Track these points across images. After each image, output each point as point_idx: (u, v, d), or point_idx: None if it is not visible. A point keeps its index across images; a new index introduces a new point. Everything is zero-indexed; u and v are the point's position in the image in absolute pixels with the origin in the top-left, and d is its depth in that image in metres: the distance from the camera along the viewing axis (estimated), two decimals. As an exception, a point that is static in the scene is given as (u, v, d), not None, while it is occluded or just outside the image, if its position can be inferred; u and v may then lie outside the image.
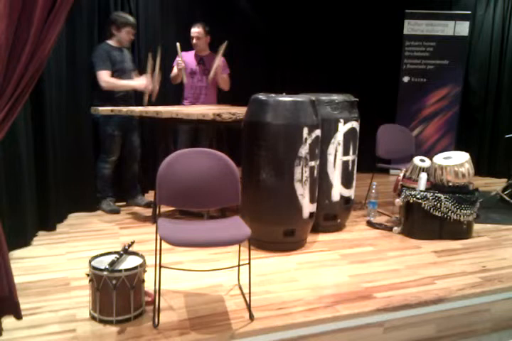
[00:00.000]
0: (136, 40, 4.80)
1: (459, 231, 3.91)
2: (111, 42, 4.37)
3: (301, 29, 6.21)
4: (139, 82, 4.38)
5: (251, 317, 2.57)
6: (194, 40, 4.79)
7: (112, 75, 4.30)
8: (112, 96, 4.33)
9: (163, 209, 4.05)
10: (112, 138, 4.37)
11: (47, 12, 2.26)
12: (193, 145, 4.68)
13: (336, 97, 3.90)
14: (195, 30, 4.76)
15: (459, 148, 5.68)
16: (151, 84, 4.39)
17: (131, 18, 4.36)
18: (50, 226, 3.90)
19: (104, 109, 3.95)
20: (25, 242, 3.55)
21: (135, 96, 4.57)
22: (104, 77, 4.23)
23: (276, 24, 6.12)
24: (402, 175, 4.17)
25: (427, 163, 4.10)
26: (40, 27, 2.25)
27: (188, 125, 4.63)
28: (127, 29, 4.32)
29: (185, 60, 4.78)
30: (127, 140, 4.51)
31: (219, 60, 4.75)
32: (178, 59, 4.71)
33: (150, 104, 4.45)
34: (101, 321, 2.47)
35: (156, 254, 2.50)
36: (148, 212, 4.45)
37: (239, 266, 2.96)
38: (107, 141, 4.38)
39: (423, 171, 4.03)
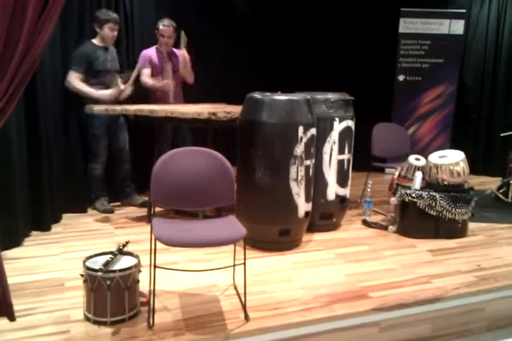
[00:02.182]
0: (130, 38, 4.78)
1: (454, 230, 3.91)
2: (95, 40, 4.31)
3: (296, 27, 6.19)
4: (103, 94, 4.29)
5: (246, 317, 2.56)
6: (166, 39, 4.63)
7: (91, 75, 4.24)
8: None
9: (158, 208, 4.04)
10: (97, 138, 4.33)
11: (39, 11, 2.24)
12: (175, 143, 4.63)
13: (331, 96, 3.89)
14: (169, 28, 4.59)
15: (454, 146, 5.68)
16: (114, 96, 4.32)
17: (113, 15, 4.29)
18: (44, 226, 3.88)
19: (99, 109, 3.93)
20: (17, 242, 3.53)
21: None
22: (72, 79, 4.16)
23: (271, 22, 6.10)
24: (397, 173, 4.17)
25: (422, 161, 4.10)
26: (32, 26, 2.24)
27: (170, 124, 4.54)
28: (109, 25, 4.24)
29: (152, 58, 4.63)
30: (114, 139, 4.47)
31: (185, 52, 4.64)
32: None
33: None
34: (95, 322, 2.46)
35: (150, 254, 2.48)
36: (142, 211, 4.43)
37: (234, 265, 2.95)
38: (93, 142, 4.35)
39: (418, 170, 4.03)
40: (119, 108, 3.95)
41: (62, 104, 4.16)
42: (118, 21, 4.34)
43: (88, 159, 4.39)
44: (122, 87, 4.30)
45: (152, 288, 2.52)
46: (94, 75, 4.26)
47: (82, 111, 4.01)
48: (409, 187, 3.94)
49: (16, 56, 2.22)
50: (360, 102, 4.54)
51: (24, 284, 2.90)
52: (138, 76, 4.50)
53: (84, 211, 4.42)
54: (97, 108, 3.93)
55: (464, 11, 6.15)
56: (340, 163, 3.98)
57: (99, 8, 4.40)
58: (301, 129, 3.42)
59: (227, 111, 3.72)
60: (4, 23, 2.14)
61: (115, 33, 4.34)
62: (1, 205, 3.35)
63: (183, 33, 4.54)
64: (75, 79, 4.18)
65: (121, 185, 4.62)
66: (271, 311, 2.65)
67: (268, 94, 3.50)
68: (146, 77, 4.62)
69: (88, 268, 2.46)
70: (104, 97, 4.29)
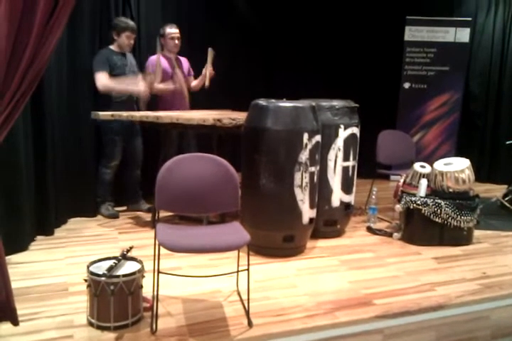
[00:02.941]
0: (137, 44, 4.81)
1: (459, 238, 3.90)
2: (112, 47, 4.37)
3: (303, 34, 6.22)
4: (138, 88, 4.35)
5: (250, 323, 2.56)
6: (176, 41, 4.67)
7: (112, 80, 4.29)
8: (111, 102, 4.32)
9: (163, 214, 4.05)
10: (114, 143, 4.36)
11: (47, 17, 2.26)
12: (180, 149, 4.65)
13: (336, 103, 3.90)
14: (176, 31, 4.65)
15: (459, 154, 5.67)
16: (147, 91, 4.38)
17: (131, 23, 4.35)
18: (48, 230, 3.89)
19: (105, 114, 3.95)
20: (23, 247, 3.54)
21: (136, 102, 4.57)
22: (102, 79, 4.20)
23: (276, 29, 6.13)
24: (402, 181, 4.16)
25: (428, 169, 4.09)
26: (40, 31, 2.26)
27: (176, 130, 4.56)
28: (127, 33, 4.31)
29: (161, 63, 4.63)
30: (130, 145, 4.51)
31: (210, 69, 4.79)
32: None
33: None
34: (98, 327, 2.46)
35: (154, 260, 2.49)
36: (147, 216, 4.44)
37: (238, 271, 2.95)
38: (108, 146, 4.38)
39: (423, 177, 4.02)
40: (125, 114, 3.97)
41: (71, 109, 4.17)
42: (135, 30, 4.40)
43: (100, 163, 4.42)
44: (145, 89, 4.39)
45: (155, 293, 2.52)
46: (113, 80, 4.29)
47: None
48: (414, 195, 3.93)
49: (23, 62, 2.24)
50: (366, 109, 4.55)
51: (28, 289, 2.91)
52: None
53: (93, 215, 4.43)
54: (103, 113, 3.95)
55: (470, 19, 6.16)
56: (345, 169, 3.98)
57: (107, 14, 4.46)
58: (306, 136, 3.42)
59: (232, 117, 3.73)
60: (13, 28, 2.17)
61: (132, 41, 4.41)
62: (7, 210, 3.37)
63: (210, 50, 4.69)
64: (105, 79, 4.22)
65: (130, 190, 4.65)
66: (274, 317, 2.64)
67: (273, 100, 3.51)
68: (156, 82, 4.62)
69: (92, 273, 2.46)
70: (137, 93, 4.36)
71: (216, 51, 4.74)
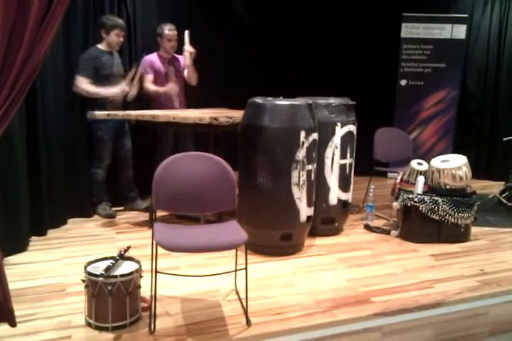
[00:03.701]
0: (133, 43, 4.80)
1: (457, 235, 3.90)
2: (101, 46, 4.30)
3: (299, 32, 6.20)
4: (113, 90, 4.27)
5: (248, 322, 2.55)
6: (173, 43, 4.66)
7: (99, 80, 4.23)
8: (97, 101, 4.27)
9: (160, 213, 4.04)
10: (103, 142, 4.35)
11: (42, 16, 2.25)
12: (177, 148, 4.63)
13: (333, 101, 3.90)
14: (174, 33, 4.63)
15: (456, 151, 5.67)
16: (125, 90, 4.34)
17: (119, 21, 4.30)
18: (45, 231, 3.88)
19: (101, 114, 3.93)
20: (21, 248, 3.53)
21: (124, 101, 4.55)
22: (79, 83, 4.13)
23: (273, 27, 6.11)
24: (399, 178, 4.16)
25: (425, 166, 4.08)
26: (34, 31, 2.24)
27: (173, 129, 4.53)
28: (116, 31, 4.25)
29: (155, 64, 4.63)
30: (119, 144, 4.49)
31: (190, 51, 4.70)
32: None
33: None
34: (96, 327, 2.45)
35: (152, 259, 2.48)
36: (145, 216, 4.43)
37: (236, 270, 2.95)
38: (98, 146, 4.37)
39: (420, 174, 4.02)
40: (121, 113, 3.96)
41: (66, 108, 4.15)
42: (124, 27, 4.36)
43: (91, 163, 4.40)
44: (126, 88, 4.33)
45: (153, 293, 2.51)
46: (101, 80, 4.25)
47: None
48: (411, 192, 3.93)
49: (18, 61, 2.23)
50: (363, 107, 4.54)
51: (25, 289, 2.90)
52: (141, 81, 4.54)
53: (90, 215, 4.42)
54: (99, 113, 3.94)
55: (466, 15, 6.16)
56: (342, 167, 3.97)
57: (103, 13, 4.43)
58: (302, 134, 3.41)
59: (228, 115, 3.72)
60: (6, 28, 2.15)
61: (121, 39, 4.36)
62: (4, 211, 3.35)
63: (187, 33, 4.63)
64: (82, 83, 4.16)
65: (125, 189, 4.63)
66: (272, 316, 2.64)
67: (270, 98, 3.50)
68: (149, 83, 4.61)
69: (89, 274, 2.45)
70: (113, 95, 4.29)
71: (214, 50, 4.72)
